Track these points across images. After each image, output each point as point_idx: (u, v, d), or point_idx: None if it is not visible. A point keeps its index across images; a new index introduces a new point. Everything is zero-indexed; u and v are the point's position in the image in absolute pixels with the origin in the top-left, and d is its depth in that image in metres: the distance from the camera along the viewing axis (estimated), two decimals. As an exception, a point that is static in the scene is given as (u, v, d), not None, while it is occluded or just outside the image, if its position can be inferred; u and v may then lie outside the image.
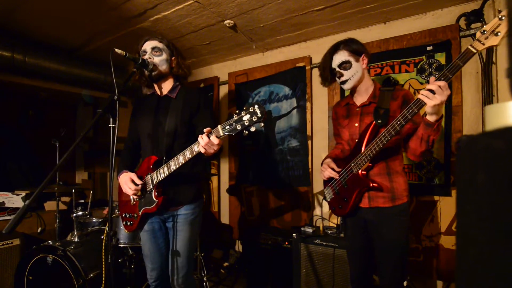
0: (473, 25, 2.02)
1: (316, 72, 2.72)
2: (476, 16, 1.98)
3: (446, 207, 2.09)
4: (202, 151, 1.28)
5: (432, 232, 2.12)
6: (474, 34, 2.02)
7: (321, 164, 1.67)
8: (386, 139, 1.33)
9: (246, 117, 1.17)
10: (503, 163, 0.27)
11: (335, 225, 2.24)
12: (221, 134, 1.23)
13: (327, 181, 1.67)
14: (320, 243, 2.08)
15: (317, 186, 2.69)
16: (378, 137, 1.36)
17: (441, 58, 2.13)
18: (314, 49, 2.74)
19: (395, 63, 2.29)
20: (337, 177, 1.57)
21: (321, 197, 2.66)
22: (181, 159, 1.37)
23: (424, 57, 2.19)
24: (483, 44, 1.11)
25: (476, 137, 0.29)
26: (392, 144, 1.43)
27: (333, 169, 1.58)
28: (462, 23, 2.07)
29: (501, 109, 0.33)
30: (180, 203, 1.55)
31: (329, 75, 1.56)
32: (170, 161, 1.41)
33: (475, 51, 1.13)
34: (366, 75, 1.56)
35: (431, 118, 1.23)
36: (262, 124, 1.19)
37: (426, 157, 1.41)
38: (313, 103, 2.72)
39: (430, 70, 2.16)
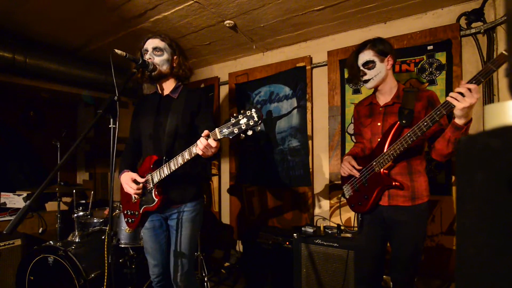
0: (473, 24, 2.02)
1: (316, 72, 2.72)
2: (477, 15, 1.98)
3: (447, 207, 2.09)
4: (200, 153, 1.30)
5: (433, 232, 2.12)
6: (475, 34, 2.02)
7: (341, 161, 1.69)
8: (411, 139, 1.34)
9: (243, 121, 1.19)
10: (500, 162, 0.27)
11: (335, 225, 2.24)
12: (219, 137, 1.25)
13: (346, 179, 1.67)
14: (321, 243, 2.08)
15: (318, 186, 2.69)
16: (403, 137, 1.37)
17: (441, 57, 2.12)
18: (315, 49, 2.74)
19: (396, 62, 2.28)
20: (357, 175, 1.58)
21: (321, 197, 2.66)
22: (180, 160, 1.39)
23: (424, 57, 2.18)
24: None
25: (475, 137, 0.29)
26: (415, 144, 1.43)
27: (353, 167, 1.59)
28: (463, 22, 2.06)
29: (500, 109, 0.34)
30: (181, 201, 1.57)
31: (357, 73, 1.58)
32: (169, 161, 1.43)
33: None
34: (391, 75, 1.56)
35: (459, 121, 1.24)
36: (259, 128, 1.20)
37: (451, 157, 1.43)
38: (314, 103, 2.72)
39: (430, 69, 2.16)
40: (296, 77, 2.79)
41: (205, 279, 2.46)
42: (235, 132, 1.20)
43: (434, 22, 2.18)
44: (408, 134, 1.35)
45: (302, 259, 2.15)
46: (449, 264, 2.06)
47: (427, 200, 1.47)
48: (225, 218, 3.31)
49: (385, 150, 1.45)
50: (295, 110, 2.81)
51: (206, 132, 1.28)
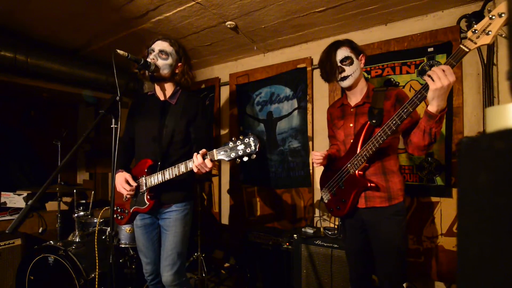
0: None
1: (317, 73, 2.72)
2: (477, 18, 1.98)
3: (447, 208, 2.09)
4: (195, 170, 1.35)
5: (433, 233, 2.12)
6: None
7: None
8: (382, 139, 1.33)
9: (240, 147, 1.25)
10: (504, 164, 0.27)
11: (336, 226, 2.24)
12: (216, 158, 1.31)
13: (323, 183, 1.67)
14: (321, 243, 2.08)
15: (318, 187, 2.69)
16: (374, 137, 1.36)
17: (442, 59, 2.13)
18: (315, 50, 2.75)
19: (396, 64, 2.29)
20: (322, 158, 1.59)
21: (321, 198, 2.66)
22: (175, 171, 1.44)
23: (425, 59, 2.19)
24: (475, 43, 1.11)
25: (478, 139, 0.29)
26: (388, 143, 1.43)
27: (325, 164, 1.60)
28: (463, 24, 2.07)
29: (501, 111, 0.34)
30: (171, 202, 1.61)
31: (334, 69, 1.51)
32: (165, 170, 1.47)
33: (467, 50, 1.13)
34: (362, 75, 1.57)
35: (432, 108, 1.19)
36: (254, 156, 1.25)
37: (429, 150, 1.39)
38: (314, 104, 2.72)
39: (431, 71, 2.16)
40: (296, 78, 2.80)
41: (205, 280, 2.46)
42: (232, 156, 1.27)
43: (434, 24, 2.19)
44: (379, 134, 1.34)
45: (302, 260, 2.15)
46: (450, 265, 2.06)
47: (403, 199, 1.47)
48: (225, 219, 3.30)
49: (358, 151, 1.44)
50: (296, 111, 2.81)
51: (203, 150, 1.34)
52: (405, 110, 1.25)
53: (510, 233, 0.27)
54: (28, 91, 3.71)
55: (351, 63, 1.49)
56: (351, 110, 1.58)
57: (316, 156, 1.60)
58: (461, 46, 1.14)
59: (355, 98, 1.58)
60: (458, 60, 1.15)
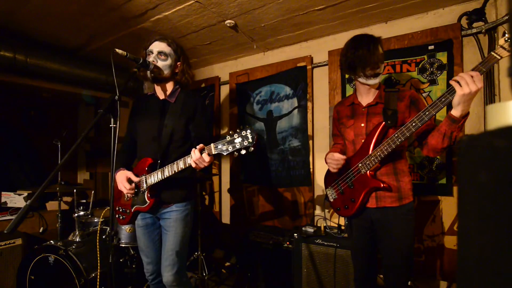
0: (474, 24, 2.01)
1: (317, 72, 2.72)
2: (478, 15, 1.97)
3: (448, 207, 2.08)
4: (193, 165, 1.35)
5: (434, 232, 2.12)
6: (476, 33, 2.02)
7: (325, 159, 1.63)
8: (399, 140, 1.32)
9: (238, 140, 1.24)
10: (505, 162, 0.26)
11: (336, 225, 2.23)
12: (213, 152, 1.31)
13: (329, 181, 1.66)
14: (321, 243, 2.08)
15: (319, 185, 2.69)
16: (390, 138, 1.36)
17: (442, 57, 2.12)
18: (315, 49, 2.74)
19: (397, 62, 2.28)
20: (340, 169, 1.55)
21: (322, 197, 2.66)
22: (174, 167, 1.44)
23: (425, 57, 2.18)
24: (508, 51, 1.10)
25: (478, 136, 0.29)
26: (401, 144, 1.43)
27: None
28: (464, 22, 2.06)
29: (502, 109, 0.33)
30: (171, 202, 1.61)
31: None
32: (164, 167, 1.47)
33: (499, 57, 1.12)
34: None
35: (456, 113, 1.19)
36: (252, 148, 1.24)
37: (444, 152, 1.38)
38: (314, 103, 2.71)
39: (431, 69, 2.15)
40: (296, 77, 2.79)
41: (206, 279, 2.46)
42: (229, 150, 1.26)
43: (435, 22, 2.18)
44: (396, 135, 1.33)
45: (302, 259, 2.15)
46: (451, 264, 2.06)
47: (412, 199, 1.47)
48: (226, 218, 3.30)
49: (370, 152, 1.43)
50: (296, 110, 2.80)
51: (201, 145, 1.33)
52: (427, 113, 1.25)
53: (510, 233, 0.26)
54: (28, 91, 3.71)
55: (382, 61, 1.46)
56: (363, 109, 1.55)
57: (338, 162, 1.52)
58: (493, 53, 1.13)
59: (367, 98, 1.55)
60: (488, 67, 1.14)
